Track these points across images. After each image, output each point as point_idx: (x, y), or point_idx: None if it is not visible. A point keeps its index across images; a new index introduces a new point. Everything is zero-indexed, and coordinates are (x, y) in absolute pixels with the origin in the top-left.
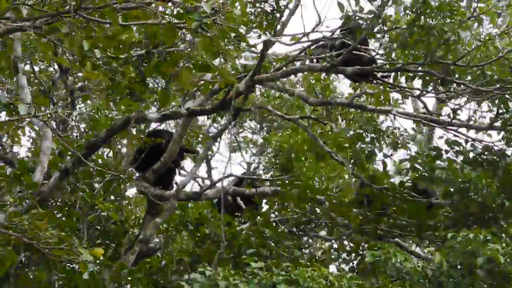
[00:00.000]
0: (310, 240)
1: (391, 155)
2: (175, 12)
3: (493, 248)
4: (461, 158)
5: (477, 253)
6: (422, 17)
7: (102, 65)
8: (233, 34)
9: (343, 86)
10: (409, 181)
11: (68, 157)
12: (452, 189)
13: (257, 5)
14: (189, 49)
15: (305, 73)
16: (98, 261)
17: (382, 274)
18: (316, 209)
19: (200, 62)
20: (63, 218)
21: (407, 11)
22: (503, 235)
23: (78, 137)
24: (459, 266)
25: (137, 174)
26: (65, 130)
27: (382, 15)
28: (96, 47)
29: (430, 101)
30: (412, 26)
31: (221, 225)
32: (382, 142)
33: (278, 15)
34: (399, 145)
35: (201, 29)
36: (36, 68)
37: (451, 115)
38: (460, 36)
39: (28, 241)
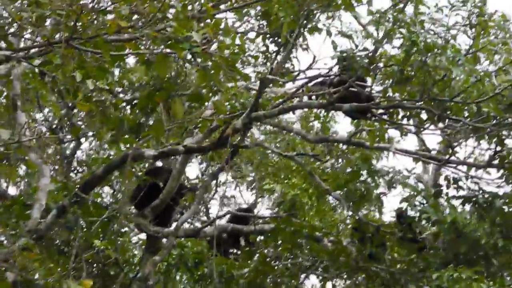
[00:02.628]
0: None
1: (385, 194)
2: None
3: (478, 287)
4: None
5: None
6: (413, 55)
7: (93, 97)
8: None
9: (344, 123)
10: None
11: (66, 195)
12: (440, 229)
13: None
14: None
15: (304, 110)
16: None
17: None
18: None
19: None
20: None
21: (399, 50)
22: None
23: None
24: None
25: (136, 212)
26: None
27: (377, 53)
28: (89, 78)
29: (431, 138)
30: (404, 64)
31: (213, 264)
32: (377, 181)
33: (274, 53)
34: (394, 185)
35: (194, 59)
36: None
37: (450, 153)
38: (453, 74)
39: (18, 273)
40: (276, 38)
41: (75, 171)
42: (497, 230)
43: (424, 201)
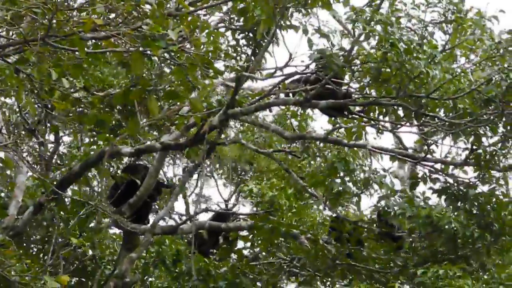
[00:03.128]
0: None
1: (362, 192)
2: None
3: (462, 284)
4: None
5: None
6: (390, 54)
7: (70, 94)
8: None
9: (321, 121)
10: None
11: (43, 192)
12: (415, 224)
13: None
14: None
15: (281, 107)
16: None
17: None
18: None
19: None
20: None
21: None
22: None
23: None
24: None
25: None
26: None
27: (353, 51)
28: (64, 76)
29: (408, 137)
30: (381, 63)
31: (192, 262)
32: (353, 179)
33: (250, 51)
34: (371, 183)
35: (170, 57)
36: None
37: (426, 151)
38: (430, 72)
39: None
40: (247, 33)
41: (55, 167)
42: (472, 221)
43: (400, 197)
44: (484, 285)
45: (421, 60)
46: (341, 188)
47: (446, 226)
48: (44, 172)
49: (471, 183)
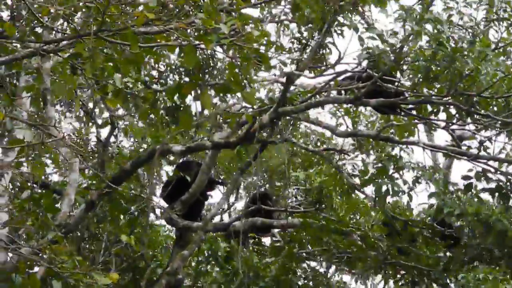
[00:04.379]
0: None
1: (412, 189)
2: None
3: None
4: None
5: None
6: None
7: (124, 90)
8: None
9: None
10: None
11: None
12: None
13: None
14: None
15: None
16: None
17: None
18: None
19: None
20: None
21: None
22: None
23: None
24: None
25: (165, 205)
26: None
27: (403, 49)
28: (117, 71)
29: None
30: (431, 61)
31: (239, 258)
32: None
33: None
34: (419, 181)
35: (222, 51)
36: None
37: (480, 148)
38: (480, 69)
39: (48, 266)
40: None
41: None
42: None
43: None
44: None
45: (471, 60)
46: (391, 185)
47: (496, 224)
48: (97, 168)
49: None
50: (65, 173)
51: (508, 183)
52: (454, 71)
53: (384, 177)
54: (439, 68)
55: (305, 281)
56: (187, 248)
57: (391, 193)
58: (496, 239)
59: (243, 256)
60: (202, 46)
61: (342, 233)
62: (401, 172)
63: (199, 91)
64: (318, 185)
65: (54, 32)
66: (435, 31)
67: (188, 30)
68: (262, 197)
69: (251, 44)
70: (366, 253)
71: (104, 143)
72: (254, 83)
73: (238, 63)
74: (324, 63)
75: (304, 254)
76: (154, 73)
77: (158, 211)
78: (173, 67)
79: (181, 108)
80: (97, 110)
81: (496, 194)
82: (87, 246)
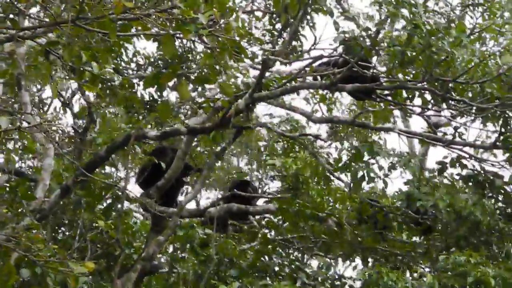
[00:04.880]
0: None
1: (387, 175)
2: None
3: (484, 271)
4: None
5: (468, 275)
6: (416, 37)
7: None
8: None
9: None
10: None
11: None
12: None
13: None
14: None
15: (309, 91)
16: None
17: None
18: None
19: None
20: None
21: (402, 32)
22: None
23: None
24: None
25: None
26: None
27: (379, 34)
28: (94, 58)
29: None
30: (406, 46)
31: (213, 244)
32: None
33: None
34: (396, 167)
35: (200, 40)
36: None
37: (454, 134)
38: (455, 54)
39: (23, 254)
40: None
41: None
42: (497, 211)
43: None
44: (506, 272)
45: (447, 44)
46: (366, 172)
47: (469, 216)
48: (73, 154)
49: (498, 170)
50: (39, 159)
51: (482, 171)
52: (430, 55)
53: (359, 163)
54: (414, 54)
55: (281, 267)
56: (163, 234)
57: (366, 179)
58: (469, 230)
59: (218, 243)
60: (181, 35)
61: (318, 218)
62: (376, 158)
63: (176, 81)
64: (294, 171)
65: (27, 18)
66: (411, 15)
67: (166, 19)
68: (243, 185)
69: (229, 34)
70: (342, 238)
71: (81, 132)
72: (229, 69)
73: (217, 53)
74: (298, 52)
75: (280, 240)
76: (133, 65)
77: (132, 196)
78: (152, 60)
79: (159, 101)
80: (74, 99)
81: (470, 182)
82: (63, 232)
